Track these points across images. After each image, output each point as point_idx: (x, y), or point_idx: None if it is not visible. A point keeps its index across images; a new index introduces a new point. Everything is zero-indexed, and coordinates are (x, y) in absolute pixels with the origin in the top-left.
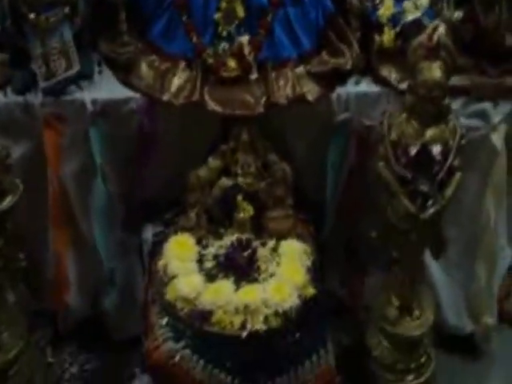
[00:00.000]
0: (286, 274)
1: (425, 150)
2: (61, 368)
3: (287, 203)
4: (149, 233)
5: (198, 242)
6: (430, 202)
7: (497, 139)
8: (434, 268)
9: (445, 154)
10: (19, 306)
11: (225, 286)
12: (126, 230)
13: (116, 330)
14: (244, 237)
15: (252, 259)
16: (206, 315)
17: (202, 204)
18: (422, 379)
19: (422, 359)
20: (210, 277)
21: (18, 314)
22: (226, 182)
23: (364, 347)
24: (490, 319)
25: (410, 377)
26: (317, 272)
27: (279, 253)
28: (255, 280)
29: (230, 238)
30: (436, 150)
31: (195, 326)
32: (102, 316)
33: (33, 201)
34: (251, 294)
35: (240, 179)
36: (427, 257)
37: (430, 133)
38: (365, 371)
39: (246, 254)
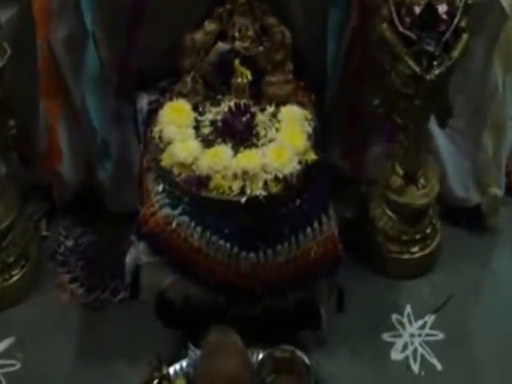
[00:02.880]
0: (285, 140)
1: (430, 8)
2: (55, 241)
3: (287, 68)
4: (144, 102)
5: (195, 108)
6: (435, 63)
7: (506, 1)
8: (441, 138)
9: (451, 13)
10: (11, 178)
11: (222, 151)
12: (119, 99)
13: (112, 203)
14: (242, 102)
15: (250, 125)
16: (203, 181)
17: (198, 69)
18: (427, 250)
19: (428, 230)
20: (207, 142)
21: (9, 185)
22: (222, 46)
23: (367, 219)
24: (497, 191)
25: (415, 248)
26: (318, 140)
27: (279, 118)
28: (254, 145)
29: (227, 104)
30: (442, 8)
31: (192, 191)
32: (98, 188)
33: (22, 69)
34: (250, 159)
35: (237, 43)
36: (433, 127)
37: None
38: (368, 242)
39: (244, 119)
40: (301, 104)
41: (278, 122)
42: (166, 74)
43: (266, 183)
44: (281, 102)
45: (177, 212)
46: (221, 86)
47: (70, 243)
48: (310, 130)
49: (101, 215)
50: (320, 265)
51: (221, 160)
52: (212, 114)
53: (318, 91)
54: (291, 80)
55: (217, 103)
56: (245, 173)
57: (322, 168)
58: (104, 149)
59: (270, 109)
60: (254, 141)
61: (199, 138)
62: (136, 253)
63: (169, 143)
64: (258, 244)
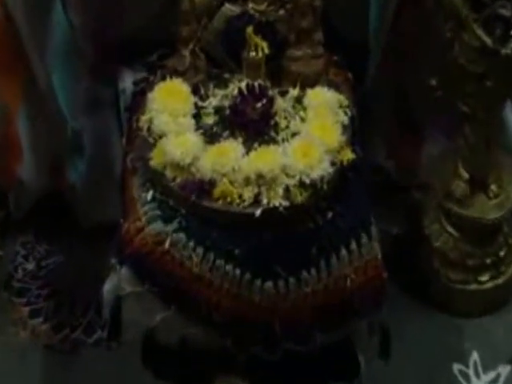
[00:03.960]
0: (314, 133)
1: None
2: (12, 263)
3: (316, 39)
4: (127, 81)
5: (195, 90)
6: None
7: None
8: None
9: None
10: None
11: (231, 148)
12: (96, 77)
13: (86, 215)
14: (256, 83)
15: (268, 113)
16: (205, 187)
17: (199, 39)
18: (500, 280)
19: (501, 253)
20: (211, 136)
21: None
22: (230, 9)
23: (421, 237)
24: None
25: (485, 276)
26: (356, 133)
27: (305, 105)
28: (272, 140)
29: (237, 86)
30: None
31: (191, 201)
32: (67, 195)
33: None
34: (267, 158)
35: (250, 5)
36: (508, 112)
37: None
38: (422, 268)
39: (259, 105)
40: (334, 86)
41: (304, 109)
42: (156, 45)
43: (287, 190)
44: (307, 83)
45: (171, 228)
46: (228, 61)
47: (30, 266)
48: (345, 120)
49: (71, 230)
50: (358, 298)
51: (229, 160)
52: (217, 98)
53: (357, 69)
54: (321, 54)
55: (223, 84)
56: (260, 177)
57: (362, 171)
58: (76, 143)
59: (294, 92)
60: (273, 134)
61: (200, 131)
62: (117, 280)
63: (160, 137)
64: (277, 270)
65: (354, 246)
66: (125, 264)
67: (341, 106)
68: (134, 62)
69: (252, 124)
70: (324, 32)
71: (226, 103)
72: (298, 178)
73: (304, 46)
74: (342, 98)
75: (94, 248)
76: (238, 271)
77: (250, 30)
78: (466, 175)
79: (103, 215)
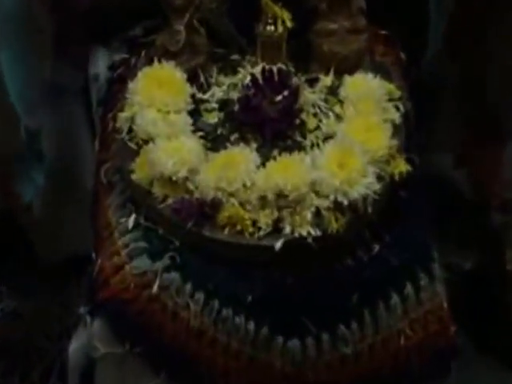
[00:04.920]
0: (354, 136)
1: None
2: None
3: (355, 7)
4: (101, 64)
5: (192, 77)
6: None
7: None
8: None
9: None
10: None
11: (241, 156)
12: (59, 58)
13: (46, 245)
14: (276, 67)
15: (291, 109)
16: (207, 210)
17: (198, 8)
18: None
19: None
20: (215, 141)
21: None
22: None
23: (502, 274)
24: None
25: None
26: (412, 135)
27: (341, 97)
28: (297, 146)
29: (249, 71)
30: None
31: (188, 229)
32: (21, 218)
33: None
34: (290, 171)
35: None
36: None
37: None
38: (504, 317)
39: (279, 98)
40: (381, 70)
41: (340, 103)
42: (140, 15)
43: (318, 215)
44: (345, 68)
45: (160, 265)
46: (238, 38)
47: None
48: (397, 117)
49: (27, 266)
50: (416, 361)
51: (238, 173)
52: (222, 88)
53: (413, 47)
54: (363, 27)
55: (231, 70)
56: (281, 196)
57: (420, 186)
58: (31, 148)
59: (326, 80)
60: (298, 138)
61: (200, 133)
62: (88, 337)
63: (146, 141)
64: (304, 323)
65: (409, 289)
66: (98, 315)
67: (391, 99)
68: (110, 39)
69: (270, 124)
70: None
71: (235, 95)
72: (332, 197)
73: (340, 17)
74: (392, 87)
75: (56, 292)
76: (251, 325)
77: None
78: None
79: (69, 247)
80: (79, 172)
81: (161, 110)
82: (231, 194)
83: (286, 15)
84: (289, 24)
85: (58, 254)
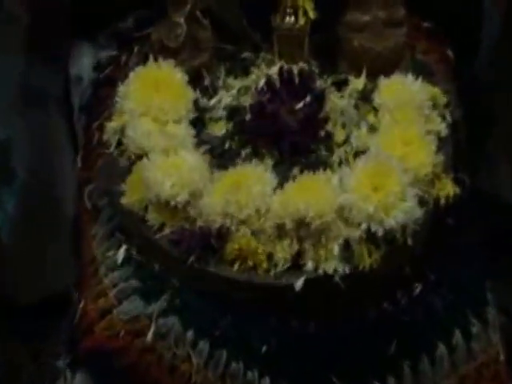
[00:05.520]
0: (390, 151)
1: None
2: None
3: None
4: (85, 63)
5: (196, 80)
6: None
7: None
8: None
9: None
10: None
11: (254, 175)
12: (34, 56)
13: (18, 283)
14: (296, 68)
15: (314, 118)
16: (212, 241)
17: None
18: None
19: None
20: (222, 156)
21: None
22: None
23: None
24: None
25: None
26: (461, 150)
27: (376, 104)
28: (323, 163)
29: (263, 72)
30: None
31: (189, 264)
32: None
33: None
34: (313, 193)
35: None
36: None
37: None
38: None
39: (300, 105)
40: (424, 71)
41: (374, 110)
42: (131, 4)
43: (347, 247)
44: (380, 68)
45: (156, 308)
46: (250, 32)
47: None
48: (443, 128)
49: None
50: None
51: (250, 196)
52: (231, 93)
53: (463, 42)
54: (402, 19)
55: (242, 70)
56: (302, 224)
57: (471, 212)
58: (0, 164)
59: (357, 82)
60: (323, 153)
61: (204, 147)
62: None
63: (139, 157)
64: (331, 380)
65: (458, 338)
66: (80, 369)
67: (436, 106)
68: (96, 32)
69: (289, 136)
70: None
71: (246, 101)
72: (364, 226)
73: (373, 7)
74: (436, 91)
75: (29, 340)
76: (266, 381)
77: None
78: None
79: (45, 286)
80: (57, 194)
81: (157, 119)
82: (242, 222)
83: (309, 4)
84: (312, 15)
85: (32, 294)
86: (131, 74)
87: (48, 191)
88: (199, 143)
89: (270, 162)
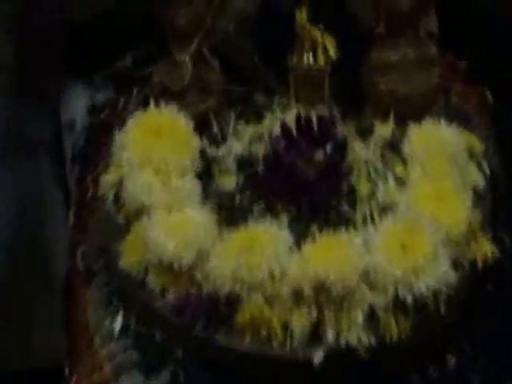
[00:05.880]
0: (421, 208)
1: None
2: None
3: (424, 29)
4: (79, 106)
5: (202, 126)
6: None
7: None
8: None
9: None
10: None
11: (268, 235)
12: (19, 99)
13: (1, 354)
14: (315, 113)
15: (336, 169)
16: (221, 309)
17: (209, 32)
18: None
19: None
20: (232, 213)
21: None
22: None
23: None
24: None
25: None
26: (501, 205)
27: (405, 154)
28: (345, 221)
29: (279, 117)
30: None
31: (194, 335)
32: None
33: None
34: (335, 255)
35: None
36: None
37: None
38: None
39: (319, 155)
40: (459, 116)
41: (403, 161)
42: (131, 39)
43: (372, 316)
44: (409, 113)
45: (158, 383)
46: (263, 72)
47: None
48: (480, 181)
49: None
50: None
51: (263, 257)
52: (242, 141)
53: (503, 86)
54: (435, 58)
55: (254, 115)
56: (322, 290)
57: None
58: None
59: (384, 129)
60: (345, 209)
61: (212, 203)
62: None
63: (138, 214)
64: None
65: None
66: None
67: (472, 155)
68: (90, 72)
69: (307, 190)
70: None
71: (259, 151)
72: (391, 292)
73: (402, 44)
74: (473, 139)
75: None
76: None
77: (302, 14)
78: None
79: (32, 357)
80: (47, 255)
81: (159, 172)
82: (254, 287)
83: (330, 41)
84: (333, 53)
85: (17, 367)
86: (130, 120)
87: (36, 251)
88: (206, 198)
89: (285, 219)
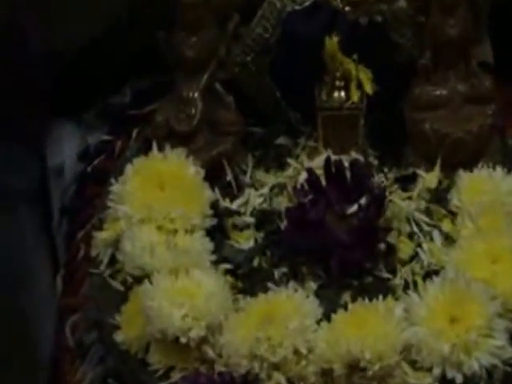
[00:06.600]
0: (472, 271)
1: None
2: None
3: (475, 60)
4: (67, 150)
5: (214, 174)
6: None
7: None
8: None
9: None
10: None
11: (291, 303)
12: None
13: None
14: (347, 158)
15: (371, 226)
16: None
17: (223, 63)
18: None
19: None
20: (249, 278)
21: None
22: None
23: None
24: None
25: None
26: None
27: (453, 205)
28: (382, 287)
29: (304, 164)
30: None
31: None
32: None
33: None
34: (370, 327)
35: None
36: None
37: None
38: None
39: (352, 209)
40: None
41: (451, 215)
42: (130, 70)
43: None
44: (459, 158)
45: None
46: (287, 110)
47: None
48: None
49: None
50: None
51: (286, 330)
52: (262, 192)
53: None
54: (489, 93)
55: (275, 161)
56: (355, 369)
57: None
58: None
59: (429, 177)
60: (383, 274)
61: (226, 265)
62: None
63: (138, 280)
64: None
65: None
66: None
67: None
68: (82, 108)
69: (338, 251)
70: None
71: (281, 204)
72: (438, 372)
73: (451, 78)
74: None
75: None
76: None
77: (332, 41)
78: None
79: None
80: (30, 327)
81: (163, 229)
82: (275, 367)
83: (365, 74)
84: (369, 89)
85: None
86: (128, 167)
87: (16, 324)
88: (219, 260)
89: (312, 285)
